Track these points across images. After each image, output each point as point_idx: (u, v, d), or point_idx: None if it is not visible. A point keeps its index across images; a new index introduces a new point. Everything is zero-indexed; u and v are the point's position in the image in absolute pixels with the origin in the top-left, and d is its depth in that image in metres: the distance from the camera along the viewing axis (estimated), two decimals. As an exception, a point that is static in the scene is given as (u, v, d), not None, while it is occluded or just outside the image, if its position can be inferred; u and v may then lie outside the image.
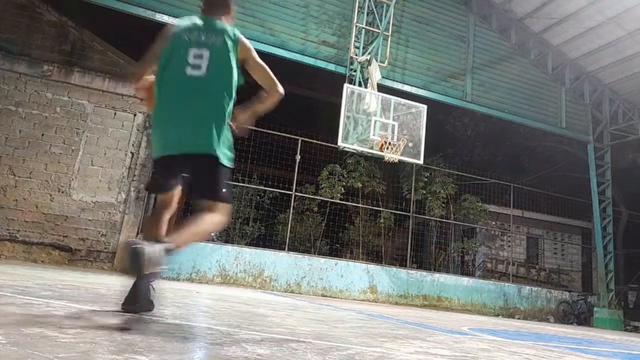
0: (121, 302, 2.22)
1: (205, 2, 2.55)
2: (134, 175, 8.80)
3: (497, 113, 11.56)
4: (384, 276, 10.14)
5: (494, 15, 11.72)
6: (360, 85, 9.49)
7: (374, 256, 12.47)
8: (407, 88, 10.48)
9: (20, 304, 2.18)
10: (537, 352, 3.03)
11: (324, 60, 9.91)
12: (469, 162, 14.96)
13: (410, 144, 9.11)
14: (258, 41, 9.18)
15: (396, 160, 9.06)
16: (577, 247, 16.00)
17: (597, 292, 12.43)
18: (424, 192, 12.45)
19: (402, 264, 11.55)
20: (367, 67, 9.61)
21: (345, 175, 11.95)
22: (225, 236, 10.85)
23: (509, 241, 14.22)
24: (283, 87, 2.53)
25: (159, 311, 2.46)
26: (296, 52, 9.72)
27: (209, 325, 2.21)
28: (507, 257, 14.27)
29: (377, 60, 9.63)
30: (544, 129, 12.51)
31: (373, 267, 10.19)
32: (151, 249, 1.85)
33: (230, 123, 2.40)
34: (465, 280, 11.02)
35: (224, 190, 2.30)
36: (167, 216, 2.49)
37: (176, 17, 8.80)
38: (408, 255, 11.19)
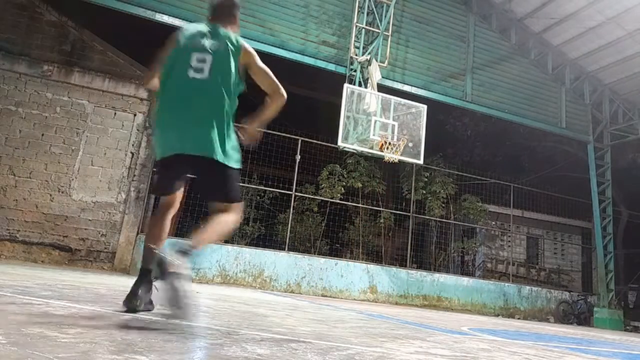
0: (123, 300, 2.27)
1: (212, 11, 2.63)
2: (134, 175, 8.80)
3: (497, 113, 11.56)
4: (384, 276, 10.14)
5: (494, 15, 11.72)
6: (360, 85, 9.49)
7: (374, 256, 12.46)
8: (407, 88, 10.48)
9: (20, 304, 2.18)
10: (537, 352, 3.03)
11: (324, 60, 9.91)
12: (469, 162, 14.96)
13: (410, 144, 9.11)
14: (258, 41, 9.18)
15: (396, 160, 9.06)
16: (577, 247, 16.00)
17: (597, 292, 12.43)
18: (424, 192, 12.45)
19: (402, 264, 11.55)
20: (367, 67, 9.61)
21: (345, 175, 11.95)
22: (225, 236, 10.83)
23: (509, 241, 14.22)
24: (283, 87, 2.55)
25: (159, 311, 2.46)
26: (296, 52, 9.72)
27: (209, 325, 2.21)
28: (507, 257, 14.27)
29: (377, 60, 9.63)
30: (544, 129, 12.51)
31: (373, 267, 10.19)
32: (174, 255, 1.94)
33: (240, 134, 2.49)
34: (465, 280, 11.02)
35: (234, 191, 2.40)
36: (170, 216, 2.54)
37: (176, 17, 8.83)
38: (408, 255, 11.19)
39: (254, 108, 2.59)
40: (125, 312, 2.32)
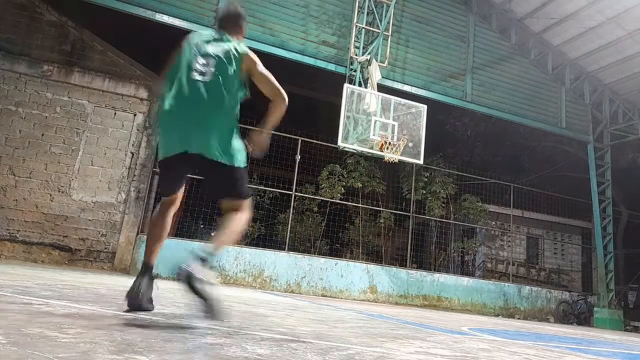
0: (125, 294, 2.38)
1: (219, 21, 2.71)
2: (134, 175, 8.80)
3: (497, 113, 11.55)
4: (384, 276, 10.14)
5: (494, 15, 11.72)
6: (360, 85, 9.49)
7: (374, 256, 12.46)
8: (407, 88, 10.48)
9: (20, 303, 2.18)
10: (537, 352, 3.03)
11: (324, 60, 9.91)
12: (469, 162, 14.96)
13: (410, 144, 9.11)
14: (258, 41, 9.18)
15: (396, 160, 9.06)
16: (577, 247, 16.00)
17: (597, 292, 12.43)
18: (424, 192, 12.45)
19: (402, 264, 11.55)
20: (367, 67, 9.61)
21: (345, 175, 11.94)
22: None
23: (509, 241, 14.22)
24: (283, 87, 2.58)
25: (159, 311, 2.47)
26: (296, 52, 9.72)
27: (209, 325, 2.21)
28: (507, 257, 14.27)
29: (377, 60, 9.63)
30: (544, 129, 12.51)
31: (373, 267, 10.19)
32: (196, 265, 2.10)
33: (247, 143, 2.55)
34: (465, 280, 11.02)
35: (241, 188, 2.47)
36: (171, 216, 2.59)
37: (176, 17, 8.84)
38: (408, 255, 11.18)
39: (260, 116, 2.62)
40: (127, 307, 2.36)
